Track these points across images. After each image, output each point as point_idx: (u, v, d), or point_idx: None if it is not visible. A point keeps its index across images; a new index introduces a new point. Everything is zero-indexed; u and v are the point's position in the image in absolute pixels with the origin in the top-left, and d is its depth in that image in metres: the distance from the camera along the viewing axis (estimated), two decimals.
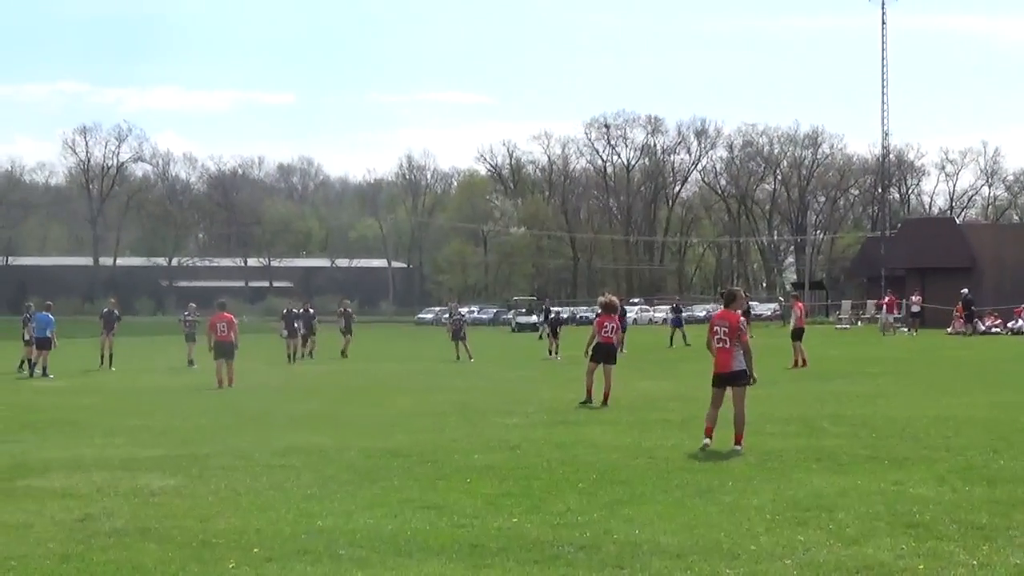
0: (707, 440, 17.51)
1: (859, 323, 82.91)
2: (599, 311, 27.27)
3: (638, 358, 45.55)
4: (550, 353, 47.91)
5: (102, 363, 43.05)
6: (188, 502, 13.82)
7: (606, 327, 26.14)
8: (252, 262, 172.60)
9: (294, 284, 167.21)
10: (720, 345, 17.93)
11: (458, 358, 46.13)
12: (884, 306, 70.82)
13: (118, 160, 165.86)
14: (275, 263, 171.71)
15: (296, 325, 46.74)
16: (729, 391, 17.89)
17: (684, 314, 59.49)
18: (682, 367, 38.03)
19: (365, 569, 10.45)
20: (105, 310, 45.38)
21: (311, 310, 49.56)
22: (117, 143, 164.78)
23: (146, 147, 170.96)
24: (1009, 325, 65.43)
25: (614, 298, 27.53)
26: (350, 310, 50.13)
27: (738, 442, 17.64)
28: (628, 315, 62.74)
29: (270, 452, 18.12)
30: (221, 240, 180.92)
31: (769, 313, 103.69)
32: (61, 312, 44.50)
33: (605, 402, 25.19)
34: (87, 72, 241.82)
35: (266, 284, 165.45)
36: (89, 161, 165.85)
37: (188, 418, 24.08)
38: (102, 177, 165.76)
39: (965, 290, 67.52)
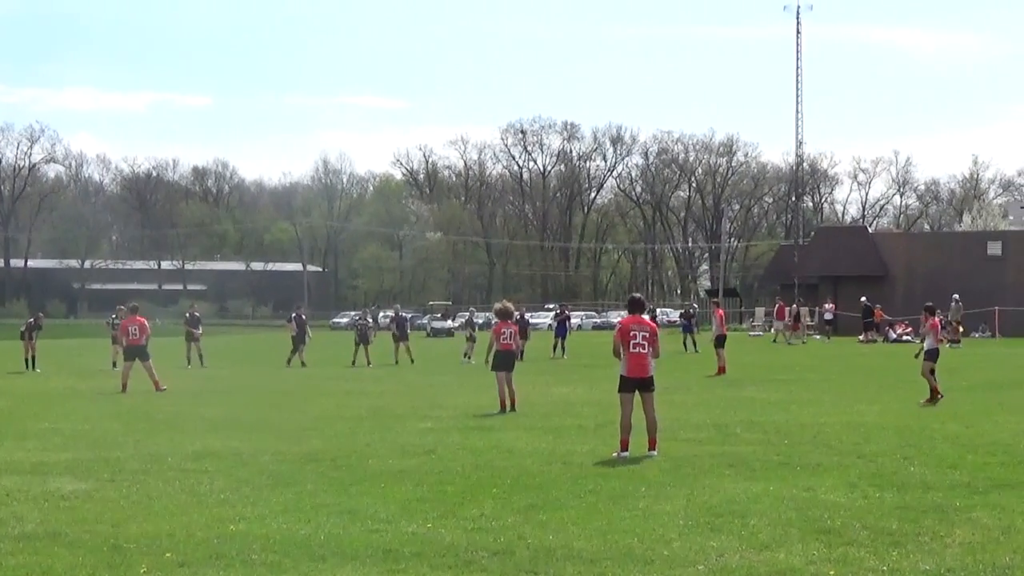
0: (625, 453, 17.45)
1: (772, 330, 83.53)
2: (495, 319, 27.31)
3: (559, 364, 45.73)
4: (465, 356, 48.24)
5: (26, 367, 43.10)
6: (99, 506, 13.70)
7: (504, 333, 26.16)
8: (166, 265, 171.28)
9: (208, 287, 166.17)
10: (637, 350, 17.95)
11: (368, 363, 45.93)
12: (775, 313, 71.63)
13: (30, 161, 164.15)
14: (189, 266, 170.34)
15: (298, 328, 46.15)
16: (638, 398, 17.97)
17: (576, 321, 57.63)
18: (596, 373, 38.12)
19: (278, 574, 10.42)
20: (31, 319, 46.59)
21: (369, 319, 49.58)
22: (29, 144, 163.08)
23: (59, 148, 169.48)
24: (920, 332, 65.93)
25: (509, 304, 27.64)
26: (197, 314, 48.56)
27: (652, 447, 17.74)
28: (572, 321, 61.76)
29: (183, 456, 18.01)
30: (135, 242, 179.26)
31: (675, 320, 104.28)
32: None
33: (513, 407, 25.22)
34: (0, 72, 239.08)
35: (180, 287, 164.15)
36: (0, 162, 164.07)
37: (100, 421, 23.86)
38: (14, 178, 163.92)
39: (863, 298, 68.35)
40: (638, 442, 17.74)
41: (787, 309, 68.63)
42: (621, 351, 18.10)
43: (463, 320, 62.15)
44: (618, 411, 18.08)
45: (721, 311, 42.15)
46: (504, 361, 25.85)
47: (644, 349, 17.96)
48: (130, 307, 34.93)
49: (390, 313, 64.28)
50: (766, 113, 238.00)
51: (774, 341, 67.18)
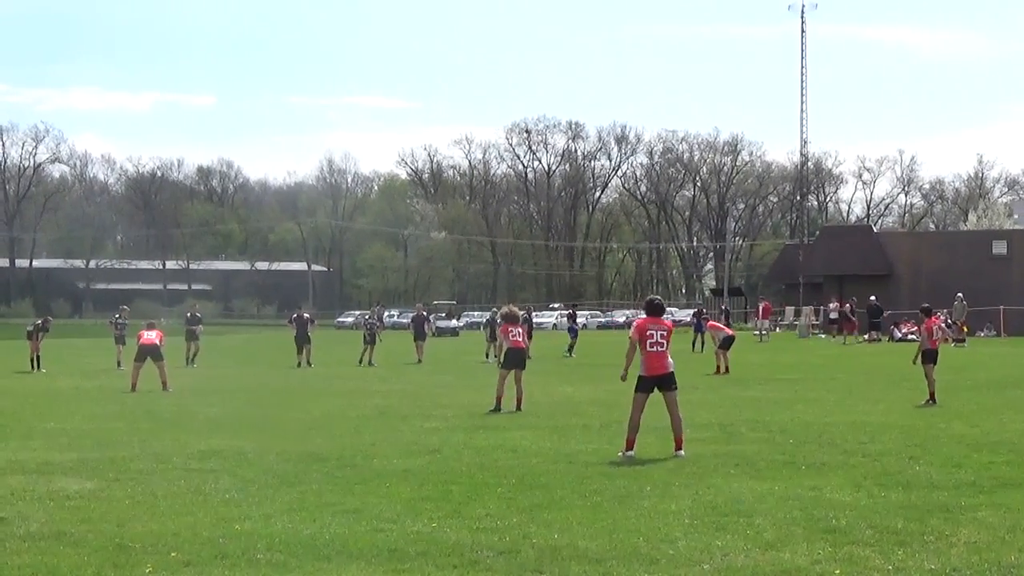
0: (630, 453, 17.38)
1: (777, 329, 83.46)
2: (500, 321, 27.40)
3: (566, 363, 45.71)
4: (487, 356, 48.20)
5: (32, 367, 43.19)
6: (105, 506, 13.69)
7: (513, 332, 26.15)
8: (171, 264, 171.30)
9: (213, 287, 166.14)
10: (655, 349, 17.82)
11: (370, 363, 45.99)
12: (761, 312, 71.63)
13: (35, 161, 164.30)
14: (194, 266, 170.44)
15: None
16: (658, 398, 17.86)
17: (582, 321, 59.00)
18: (601, 372, 38.08)
19: (283, 573, 10.40)
20: (39, 321, 46.93)
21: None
22: (34, 144, 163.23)
23: (63, 148, 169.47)
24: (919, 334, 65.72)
25: (515, 308, 27.62)
26: (198, 314, 48.85)
27: (679, 447, 17.63)
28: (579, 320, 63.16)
29: (188, 455, 18.01)
30: (139, 242, 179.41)
31: (687, 320, 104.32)
32: None
33: (519, 407, 25.21)
34: (5, 72, 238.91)
35: (185, 287, 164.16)
36: (5, 162, 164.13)
37: (105, 421, 23.86)
38: (19, 178, 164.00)
39: (873, 297, 68.27)
40: (643, 442, 17.73)
41: (772, 309, 68.63)
42: (638, 349, 18.01)
43: (485, 320, 62.49)
44: (626, 410, 18.02)
45: (712, 322, 42.48)
46: (515, 359, 25.86)
47: (663, 348, 17.87)
48: (147, 324, 35.12)
49: (394, 312, 64.79)
50: (771, 112, 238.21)
51: (759, 341, 66.86)
